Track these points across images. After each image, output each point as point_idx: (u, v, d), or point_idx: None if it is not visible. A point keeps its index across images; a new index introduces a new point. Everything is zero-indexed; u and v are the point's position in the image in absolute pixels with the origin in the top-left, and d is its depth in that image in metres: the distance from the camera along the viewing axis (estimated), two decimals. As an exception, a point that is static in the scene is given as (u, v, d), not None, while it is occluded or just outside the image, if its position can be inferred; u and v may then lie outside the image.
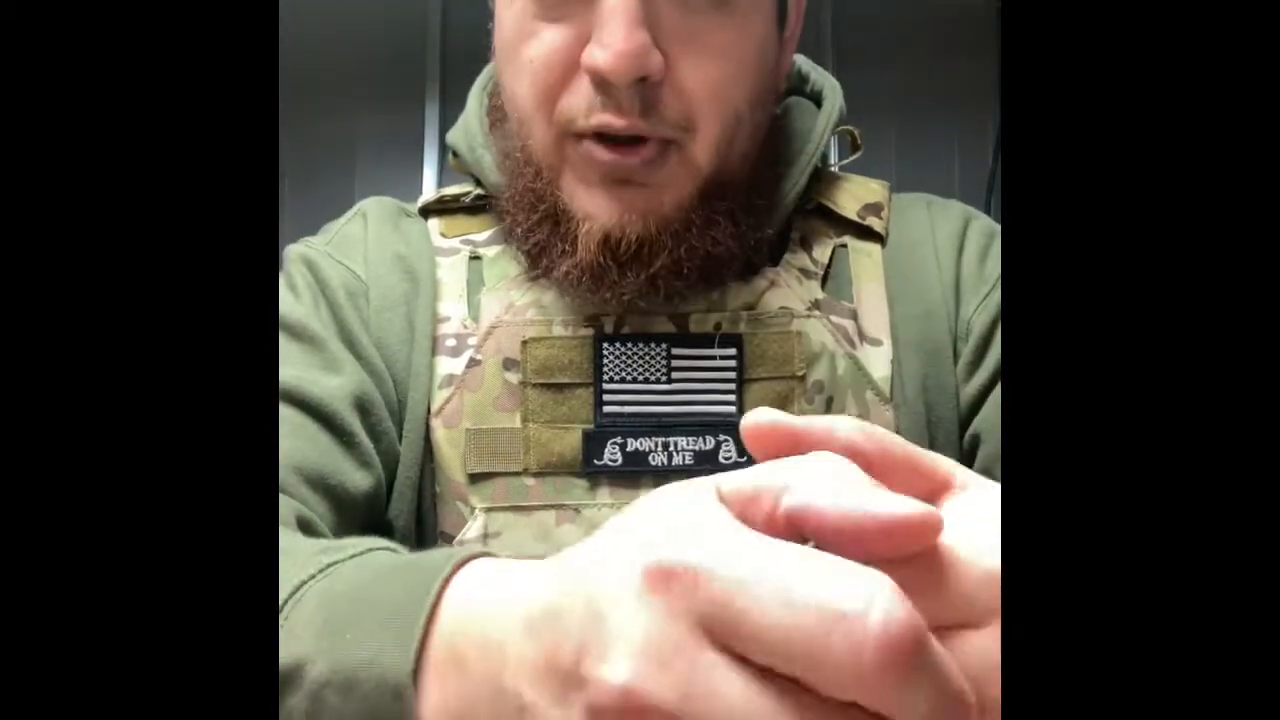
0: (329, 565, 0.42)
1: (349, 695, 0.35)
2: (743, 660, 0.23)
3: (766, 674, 0.23)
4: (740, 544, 0.24)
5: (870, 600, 0.22)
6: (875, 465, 0.28)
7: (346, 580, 0.40)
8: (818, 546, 0.25)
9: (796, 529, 0.26)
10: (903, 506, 0.25)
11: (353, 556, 0.43)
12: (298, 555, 0.43)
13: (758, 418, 0.29)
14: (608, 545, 0.27)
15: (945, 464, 0.30)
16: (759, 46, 0.61)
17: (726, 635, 0.23)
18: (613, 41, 0.54)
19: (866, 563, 0.24)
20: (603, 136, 0.58)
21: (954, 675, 0.23)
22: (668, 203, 0.59)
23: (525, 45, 0.59)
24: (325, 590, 0.40)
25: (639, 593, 0.24)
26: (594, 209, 0.59)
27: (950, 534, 0.26)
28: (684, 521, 0.25)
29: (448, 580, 0.35)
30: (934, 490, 0.30)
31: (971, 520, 0.27)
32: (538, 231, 0.61)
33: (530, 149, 0.61)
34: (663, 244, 0.59)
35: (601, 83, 0.56)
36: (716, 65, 0.58)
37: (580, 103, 0.57)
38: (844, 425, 0.29)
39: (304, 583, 0.41)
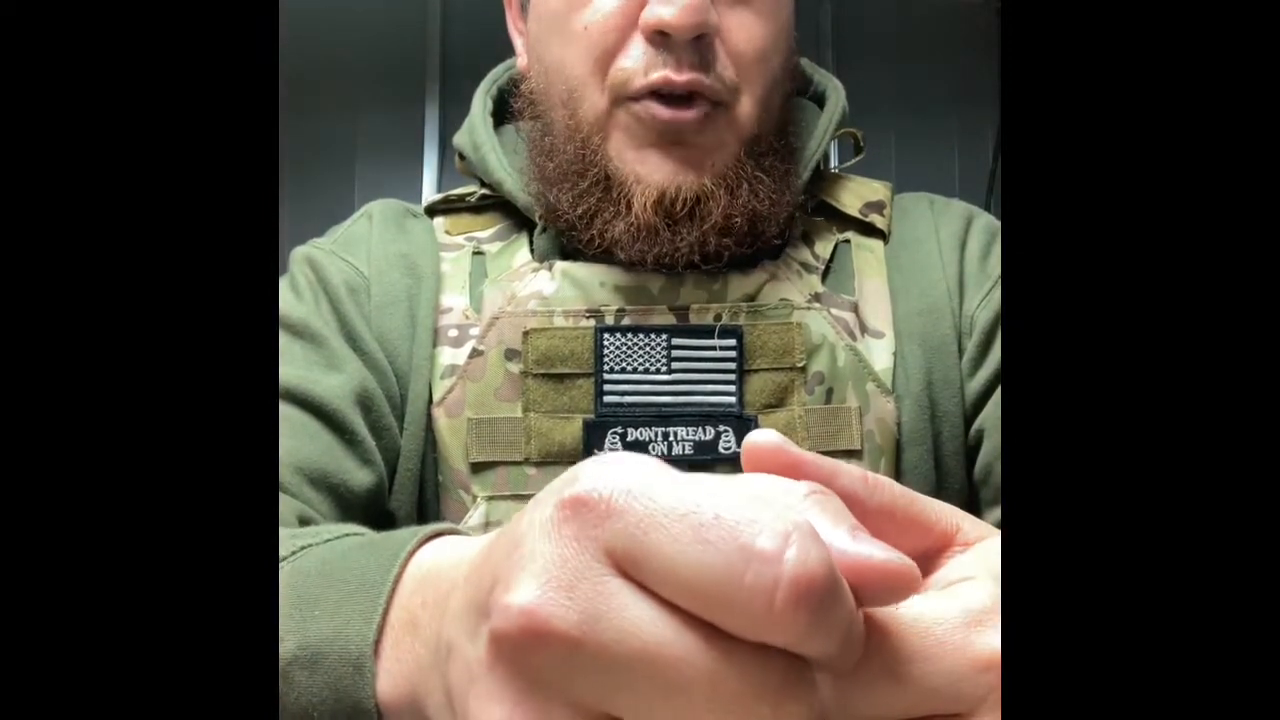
0: (302, 548, 0.42)
1: (315, 671, 0.36)
2: (650, 591, 0.23)
3: (673, 605, 0.22)
4: (659, 477, 0.23)
5: (786, 540, 0.21)
6: (870, 515, 0.27)
7: (318, 559, 0.41)
8: None
9: None
10: (889, 552, 0.23)
11: (326, 541, 0.43)
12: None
13: (762, 437, 0.28)
14: (545, 490, 0.26)
15: (950, 517, 0.29)
16: (789, 17, 0.65)
17: (635, 567, 0.22)
18: None
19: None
20: (659, 96, 0.60)
21: (856, 618, 0.22)
22: (718, 160, 0.61)
23: (578, 14, 0.61)
24: (296, 569, 0.41)
25: (551, 521, 0.23)
26: (646, 170, 0.61)
27: (942, 613, 0.25)
28: (614, 460, 0.24)
29: (412, 553, 0.35)
30: (933, 547, 0.29)
31: (965, 594, 0.26)
32: (586, 200, 0.62)
33: (580, 117, 0.62)
34: (717, 199, 0.61)
35: (661, 40, 0.58)
36: (762, 25, 0.62)
37: (636, 63, 0.60)
38: (848, 473, 0.28)
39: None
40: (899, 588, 0.23)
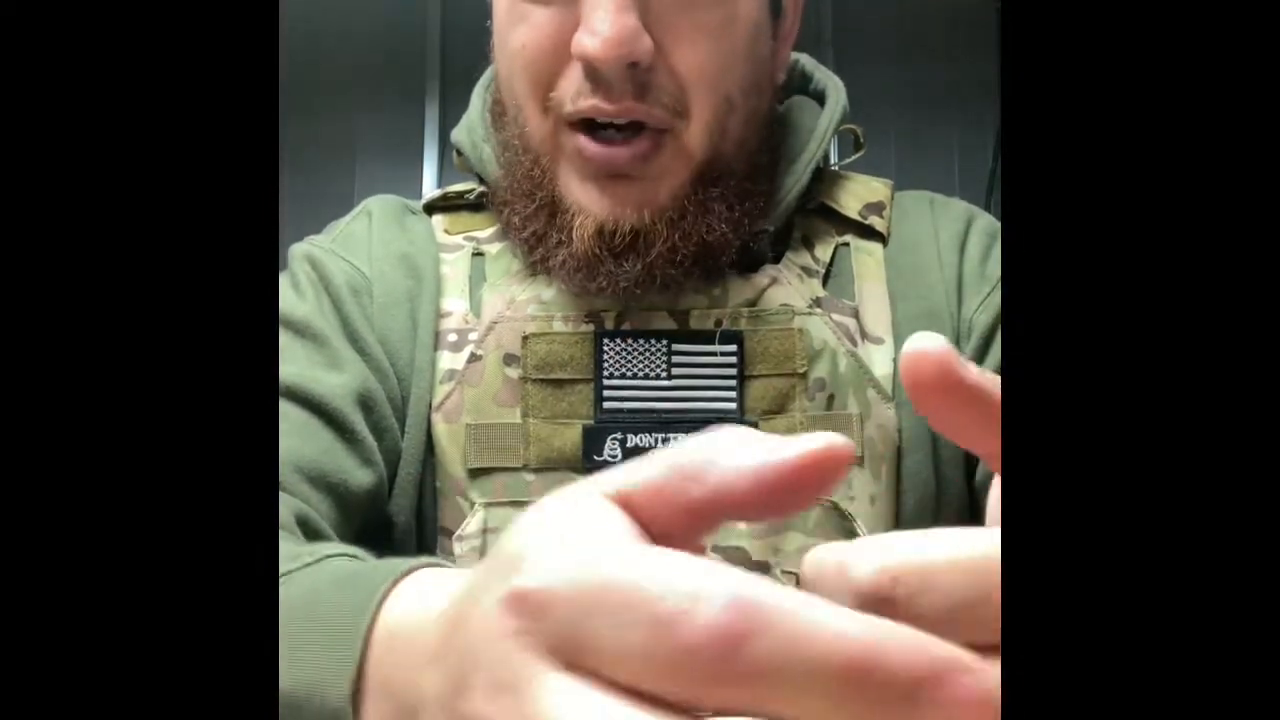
0: (284, 574, 0.42)
1: (296, 717, 0.35)
2: (599, 679, 0.22)
3: (623, 693, 0.22)
4: (600, 555, 0.23)
5: (695, 598, 0.21)
6: None
7: (297, 589, 0.40)
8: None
9: (714, 519, 0.24)
10: (810, 441, 0.23)
11: (307, 565, 0.42)
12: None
13: (930, 343, 0.26)
14: (489, 562, 0.26)
15: None
16: (750, 30, 0.61)
17: (578, 655, 0.22)
18: (601, 28, 0.54)
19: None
20: (593, 126, 0.58)
21: (816, 651, 0.20)
22: (662, 193, 0.59)
23: (515, 30, 0.58)
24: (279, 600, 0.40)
25: (497, 619, 0.23)
26: (587, 202, 0.59)
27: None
28: (554, 534, 0.24)
29: (385, 595, 0.35)
30: None
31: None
32: (534, 221, 0.61)
33: (527, 136, 0.60)
34: (658, 233, 0.58)
35: (592, 69, 0.56)
36: (707, 47, 0.58)
37: (568, 91, 0.57)
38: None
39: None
40: (836, 464, 0.23)
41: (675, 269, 0.60)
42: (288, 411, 0.59)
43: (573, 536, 0.24)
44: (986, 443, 0.27)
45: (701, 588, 0.21)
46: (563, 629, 0.22)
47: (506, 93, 0.62)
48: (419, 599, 0.33)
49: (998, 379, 0.27)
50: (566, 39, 0.56)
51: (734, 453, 0.24)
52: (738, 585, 0.21)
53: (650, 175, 0.59)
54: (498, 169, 0.66)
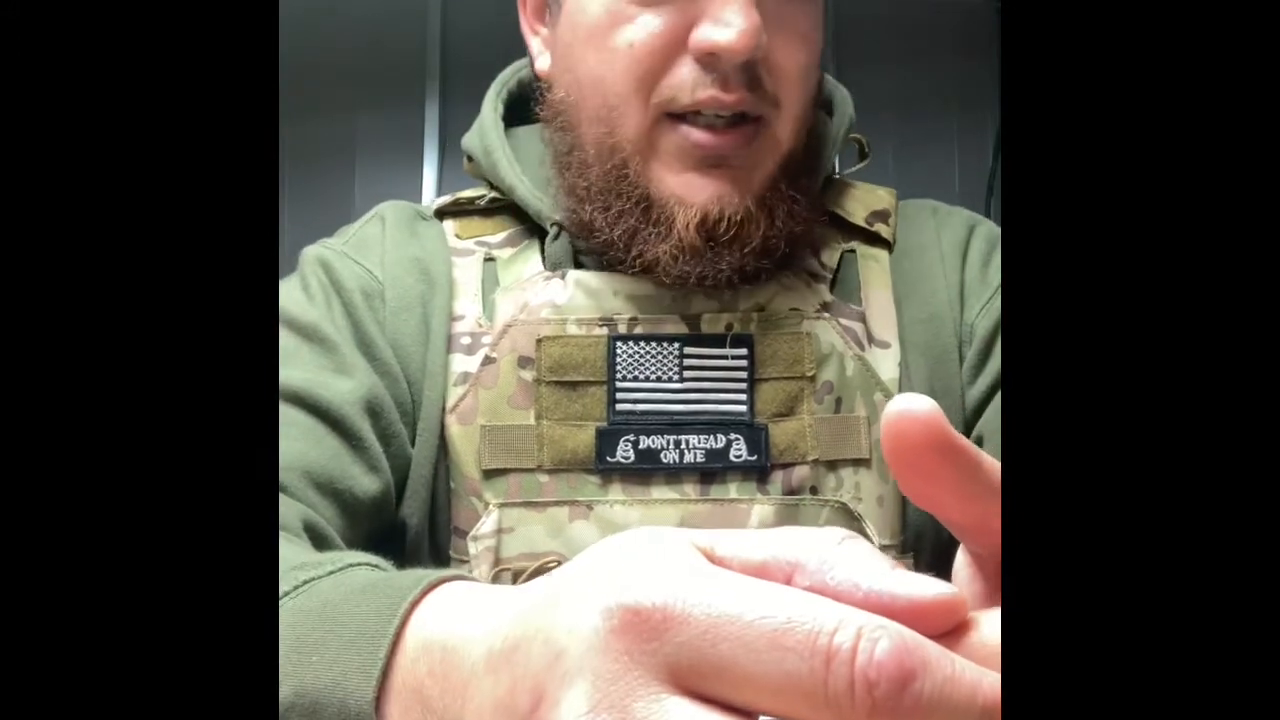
0: (305, 582, 0.42)
1: (314, 718, 0.35)
2: (710, 702, 0.22)
3: (739, 713, 0.22)
4: (715, 582, 0.23)
5: (859, 635, 0.22)
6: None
7: (319, 598, 0.40)
8: None
9: None
10: (929, 587, 0.24)
11: (330, 573, 0.42)
12: (279, 569, 0.43)
13: (917, 404, 0.25)
14: (572, 578, 0.26)
15: None
16: (822, 37, 0.64)
17: (703, 679, 0.22)
18: (735, 20, 0.56)
19: None
20: (701, 119, 0.59)
21: (956, 690, 0.22)
22: (757, 181, 0.61)
23: (621, 30, 0.60)
24: (298, 608, 0.40)
25: (599, 634, 0.23)
26: (688, 192, 0.60)
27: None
28: (655, 559, 0.24)
29: (415, 604, 0.35)
30: None
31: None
32: (626, 219, 0.62)
33: (619, 136, 0.61)
34: (758, 222, 0.61)
35: (712, 61, 0.58)
36: (803, 48, 0.61)
37: (684, 81, 0.59)
38: (989, 461, 0.26)
39: (279, 600, 0.41)
40: (947, 618, 0.24)
41: (766, 259, 0.62)
42: (295, 417, 0.59)
43: (675, 564, 0.24)
44: (966, 513, 0.27)
45: (858, 623, 0.22)
46: (685, 652, 0.22)
47: (593, 91, 0.62)
48: (455, 609, 0.33)
49: (996, 462, 0.26)
50: (679, 37, 0.58)
51: (853, 565, 0.24)
52: (894, 625, 0.22)
53: (748, 164, 0.61)
54: (513, 179, 0.67)
